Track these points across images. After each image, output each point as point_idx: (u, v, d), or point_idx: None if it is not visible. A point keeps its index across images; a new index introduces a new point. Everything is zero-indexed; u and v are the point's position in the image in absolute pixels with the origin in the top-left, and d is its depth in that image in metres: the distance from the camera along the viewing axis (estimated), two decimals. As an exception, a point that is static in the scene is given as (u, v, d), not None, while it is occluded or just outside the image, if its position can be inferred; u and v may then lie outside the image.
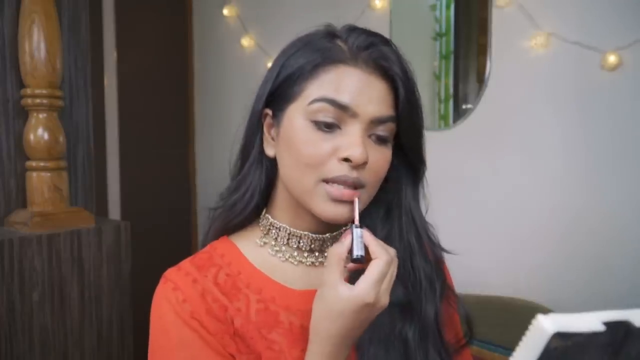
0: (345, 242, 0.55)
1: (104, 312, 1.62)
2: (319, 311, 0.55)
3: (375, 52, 0.60)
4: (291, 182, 0.61)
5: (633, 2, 1.45)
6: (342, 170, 0.57)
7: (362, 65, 0.59)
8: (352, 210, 0.58)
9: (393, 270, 0.55)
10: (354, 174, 0.57)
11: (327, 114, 0.58)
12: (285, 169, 0.61)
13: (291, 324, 0.61)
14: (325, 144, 0.58)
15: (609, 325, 0.34)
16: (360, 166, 0.58)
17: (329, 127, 0.58)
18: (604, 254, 1.52)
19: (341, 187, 0.57)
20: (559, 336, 0.33)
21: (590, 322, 0.34)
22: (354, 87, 0.58)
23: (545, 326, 0.33)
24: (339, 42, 0.61)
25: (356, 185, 0.58)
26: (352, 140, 0.57)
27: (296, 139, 0.59)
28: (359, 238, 0.54)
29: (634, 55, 1.44)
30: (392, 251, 0.56)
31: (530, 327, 0.33)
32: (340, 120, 0.58)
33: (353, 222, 0.56)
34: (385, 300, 0.54)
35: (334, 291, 0.53)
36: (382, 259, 0.53)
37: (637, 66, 1.44)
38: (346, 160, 0.57)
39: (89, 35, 1.72)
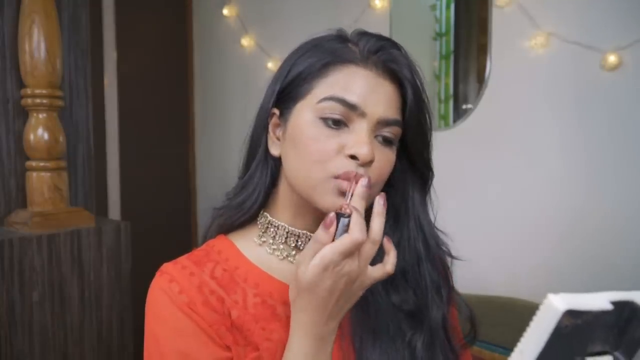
0: (331, 230, 0.54)
1: (104, 312, 1.62)
2: (293, 287, 0.56)
3: (385, 55, 0.61)
4: (297, 179, 0.61)
5: (633, 2, 1.45)
6: (349, 166, 0.58)
7: (372, 67, 0.60)
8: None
9: (368, 251, 0.54)
10: (360, 170, 0.58)
11: (335, 112, 0.58)
12: (292, 166, 0.61)
13: (289, 318, 0.61)
14: (332, 141, 0.58)
15: (616, 304, 0.35)
16: (366, 164, 0.58)
17: (336, 125, 0.59)
18: (604, 254, 1.52)
19: (345, 182, 0.58)
20: (570, 314, 0.33)
21: (598, 301, 0.35)
22: (363, 87, 0.59)
23: (556, 304, 0.33)
24: (350, 45, 0.62)
25: (367, 183, 0.58)
26: (359, 138, 0.58)
27: (303, 135, 0.59)
28: (344, 227, 0.54)
29: (634, 55, 1.44)
30: (374, 235, 0.55)
31: (541, 306, 0.34)
32: (348, 119, 0.59)
33: (341, 209, 0.55)
34: (352, 269, 0.53)
35: (303, 266, 0.54)
36: (354, 235, 0.53)
37: (637, 66, 1.44)
38: (353, 157, 0.58)
39: (89, 35, 1.72)
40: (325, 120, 0.59)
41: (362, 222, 0.53)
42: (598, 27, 1.50)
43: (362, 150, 0.57)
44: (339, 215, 0.54)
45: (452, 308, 0.71)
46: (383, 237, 0.57)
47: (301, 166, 0.60)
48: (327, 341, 0.56)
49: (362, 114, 0.58)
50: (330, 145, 0.58)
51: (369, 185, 0.56)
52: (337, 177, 0.58)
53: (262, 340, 0.60)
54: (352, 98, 0.58)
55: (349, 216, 0.54)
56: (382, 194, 0.58)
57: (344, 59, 0.60)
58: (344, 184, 0.57)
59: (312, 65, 0.61)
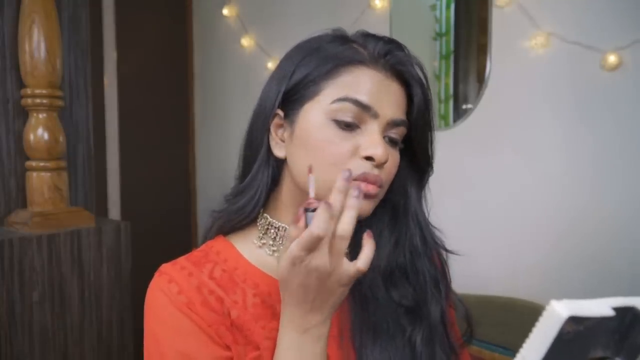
0: (299, 225, 0.54)
1: (104, 312, 1.62)
2: (279, 284, 0.56)
3: (393, 58, 0.61)
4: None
5: (633, 2, 1.45)
6: (365, 168, 0.58)
7: (381, 69, 0.60)
8: (368, 205, 0.58)
9: (337, 246, 0.53)
10: (375, 172, 0.59)
11: (348, 114, 0.58)
12: (303, 169, 0.60)
13: None
14: (346, 143, 0.59)
15: (618, 310, 0.35)
16: (380, 165, 0.59)
17: (349, 126, 0.59)
18: (604, 254, 1.52)
19: (363, 183, 0.58)
20: (572, 320, 0.33)
21: (600, 307, 0.35)
22: (375, 88, 0.59)
23: (559, 310, 0.33)
24: (355, 46, 0.62)
25: (378, 183, 0.59)
26: (373, 140, 0.58)
27: (316, 138, 0.59)
28: (311, 222, 0.53)
29: (634, 55, 1.44)
30: (340, 230, 0.53)
31: (544, 313, 0.34)
32: (360, 120, 0.59)
33: (308, 205, 0.55)
34: (321, 264, 0.52)
35: (280, 262, 0.54)
36: (310, 229, 0.52)
37: (637, 66, 1.44)
38: (368, 158, 0.58)
39: (89, 35, 1.72)
40: (338, 122, 0.59)
41: (326, 216, 0.52)
42: (598, 27, 1.50)
43: (378, 151, 0.57)
44: (306, 210, 0.54)
45: (450, 308, 0.71)
46: (364, 231, 0.56)
47: (314, 168, 0.60)
48: (315, 334, 0.56)
49: (375, 115, 0.59)
50: (344, 148, 0.58)
51: (349, 179, 0.55)
52: (354, 179, 0.58)
53: (263, 339, 0.60)
54: (365, 99, 0.58)
55: (314, 210, 0.53)
56: (357, 183, 0.57)
57: (354, 60, 0.60)
58: (361, 186, 0.57)
59: (319, 67, 0.60)
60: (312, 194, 0.56)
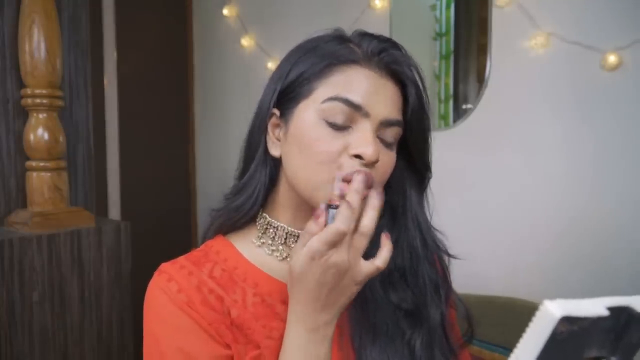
0: (320, 221, 0.54)
1: (104, 312, 1.62)
2: (288, 278, 0.56)
3: (387, 56, 0.61)
4: (300, 179, 0.61)
5: (633, 2, 1.45)
6: (354, 166, 0.58)
7: (374, 68, 0.60)
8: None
9: (357, 243, 0.54)
10: (365, 169, 0.58)
11: (339, 112, 0.58)
12: (295, 168, 0.61)
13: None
14: (337, 142, 0.58)
15: (612, 310, 0.35)
16: (371, 164, 0.58)
17: (340, 125, 0.59)
18: (604, 254, 1.52)
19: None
20: (566, 320, 0.33)
21: (595, 306, 0.35)
22: (367, 87, 0.59)
23: (552, 310, 0.33)
24: (351, 45, 0.62)
25: (369, 180, 0.58)
26: (363, 138, 0.58)
27: (308, 136, 0.59)
28: (333, 219, 0.54)
29: (634, 55, 1.43)
30: (363, 227, 0.54)
31: (537, 312, 0.34)
32: (352, 119, 0.59)
33: (331, 201, 0.55)
34: (340, 260, 0.53)
35: (294, 257, 0.55)
36: (335, 224, 0.53)
37: (637, 66, 1.44)
38: (358, 157, 0.58)
39: (89, 35, 1.72)
40: (329, 121, 0.59)
41: (349, 213, 0.53)
42: (598, 27, 1.50)
43: (368, 150, 0.57)
44: (328, 207, 0.55)
45: (451, 308, 0.71)
46: (382, 232, 0.57)
47: (305, 167, 0.60)
48: (321, 334, 0.56)
49: (366, 114, 0.58)
50: (334, 146, 0.58)
51: (365, 181, 0.56)
52: (346, 179, 0.57)
53: (263, 338, 0.60)
54: (356, 98, 0.58)
55: (337, 207, 0.54)
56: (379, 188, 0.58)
57: (347, 59, 0.60)
58: (346, 189, 0.57)
59: (314, 66, 0.61)
60: (336, 191, 0.56)
